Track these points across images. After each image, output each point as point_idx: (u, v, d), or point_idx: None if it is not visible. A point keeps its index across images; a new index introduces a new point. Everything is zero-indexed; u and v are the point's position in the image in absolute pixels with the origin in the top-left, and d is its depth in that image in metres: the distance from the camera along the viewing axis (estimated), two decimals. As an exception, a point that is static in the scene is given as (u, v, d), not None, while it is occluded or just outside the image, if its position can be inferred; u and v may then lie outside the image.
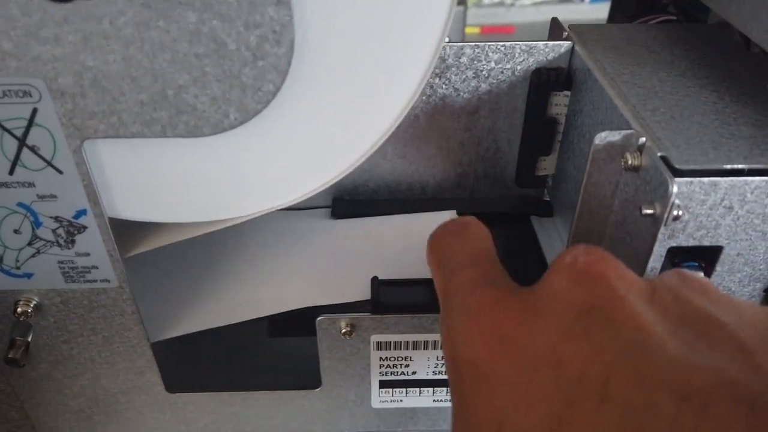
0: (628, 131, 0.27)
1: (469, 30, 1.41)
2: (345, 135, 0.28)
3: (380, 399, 0.38)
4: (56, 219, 0.28)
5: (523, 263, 0.37)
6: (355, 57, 0.26)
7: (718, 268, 0.27)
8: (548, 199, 0.41)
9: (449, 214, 0.39)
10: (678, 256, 0.28)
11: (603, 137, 0.27)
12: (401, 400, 0.38)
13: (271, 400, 0.38)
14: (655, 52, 0.34)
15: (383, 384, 0.37)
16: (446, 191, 0.41)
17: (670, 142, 0.26)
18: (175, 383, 0.37)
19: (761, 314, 0.19)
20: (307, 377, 0.37)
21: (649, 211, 0.25)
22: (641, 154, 0.26)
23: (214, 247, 0.39)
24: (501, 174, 0.40)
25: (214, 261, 0.38)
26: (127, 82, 0.24)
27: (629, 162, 0.26)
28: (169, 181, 0.28)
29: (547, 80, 0.35)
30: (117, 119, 0.25)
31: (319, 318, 0.33)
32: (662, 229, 0.25)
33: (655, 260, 0.27)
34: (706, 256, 0.28)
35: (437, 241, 0.26)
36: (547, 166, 0.39)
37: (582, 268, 0.19)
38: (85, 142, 0.26)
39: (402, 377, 0.36)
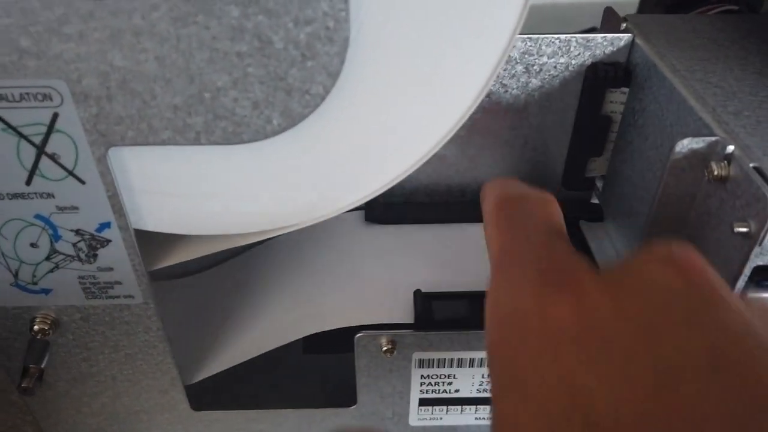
0: (713, 138, 0.24)
1: None
2: (398, 141, 0.25)
3: (419, 417, 0.35)
4: (77, 232, 0.26)
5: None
6: (414, 57, 0.23)
7: (804, 287, 0.25)
8: (597, 202, 0.39)
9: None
10: (760, 275, 0.26)
11: (685, 144, 0.24)
12: (441, 418, 0.35)
13: (303, 417, 0.35)
14: (724, 47, 0.31)
15: (423, 402, 0.35)
16: (487, 194, 0.38)
17: (762, 151, 0.23)
18: (201, 401, 0.34)
19: None
20: (342, 394, 0.34)
21: (743, 229, 0.22)
22: (729, 164, 0.24)
23: (245, 264, 0.36)
24: (548, 175, 0.37)
25: (246, 280, 0.36)
26: (160, 84, 0.22)
27: (715, 172, 0.24)
28: (202, 191, 0.25)
29: (604, 76, 0.32)
30: (147, 125, 0.23)
31: (358, 335, 0.31)
32: (756, 248, 0.22)
33: (741, 279, 0.24)
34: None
35: (511, 201, 0.22)
36: (597, 167, 0.36)
37: (673, 256, 0.17)
38: (111, 150, 0.23)
39: (444, 395, 0.34)
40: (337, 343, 0.32)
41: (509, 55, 0.32)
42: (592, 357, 0.16)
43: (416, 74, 0.23)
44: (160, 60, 0.21)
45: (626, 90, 0.33)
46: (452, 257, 0.36)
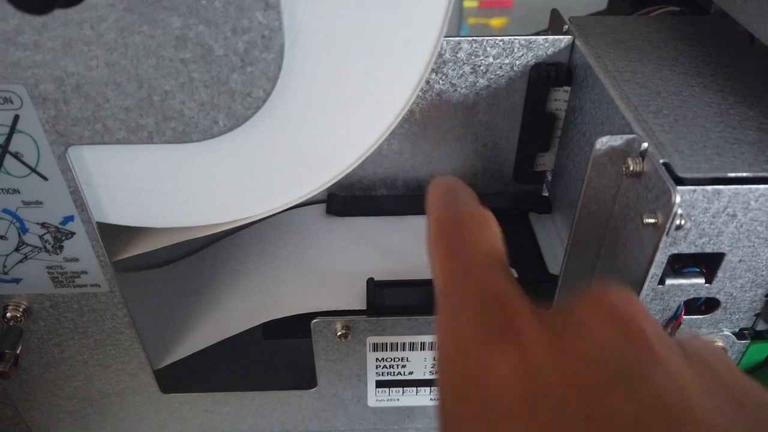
0: (630, 136, 0.26)
1: (467, 3, 1.38)
2: (339, 139, 0.27)
3: (377, 398, 0.37)
4: (43, 225, 0.28)
5: (521, 261, 0.37)
6: (349, 60, 0.25)
7: (719, 274, 0.27)
8: (547, 195, 0.40)
9: None
10: (679, 262, 0.28)
11: (604, 142, 0.26)
12: (398, 399, 0.37)
13: (267, 399, 0.37)
14: (657, 48, 0.33)
15: (380, 384, 0.37)
16: (443, 187, 0.40)
17: (674, 148, 0.25)
18: (169, 384, 0.36)
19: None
20: (303, 377, 0.36)
21: (651, 221, 0.24)
22: (643, 160, 0.25)
23: (210, 255, 0.38)
24: (499, 170, 0.39)
25: (213, 271, 0.38)
26: (111, 88, 0.23)
27: (631, 168, 0.26)
28: (158, 186, 0.27)
29: (546, 76, 0.34)
30: (102, 126, 0.24)
31: (314, 321, 0.33)
32: (664, 238, 0.24)
33: (656, 267, 0.26)
34: (707, 262, 0.27)
35: (450, 226, 0.22)
36: (545, 162, 0.38)
37: (613, 309, 0.18)
38: (70, 149, 0.25)
39: (399, 377, 0.36)
40: (294, 329, 0.34)
41: (457, 56, 0.34)
42: (531, 427, 0.16)
43: (351, 77, 0.25)
44: (110, 66, 0.23)
45: (568, 89, 0.35)
46: (407, 247, 0.38)
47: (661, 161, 0.24)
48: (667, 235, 0.24)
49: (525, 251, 0.37)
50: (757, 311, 0.29)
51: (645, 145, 0.25)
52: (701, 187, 0.24)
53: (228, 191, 0.28)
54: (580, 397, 0.16)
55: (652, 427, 0.15)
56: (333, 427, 0.39)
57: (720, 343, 0.30)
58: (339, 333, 0.33)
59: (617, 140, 0.26)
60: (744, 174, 0.24)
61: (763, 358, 0.31)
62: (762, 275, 0.27)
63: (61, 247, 0.29)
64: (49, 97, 0.24)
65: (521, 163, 0.38)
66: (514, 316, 0.19)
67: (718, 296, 0.28)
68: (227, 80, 0.24)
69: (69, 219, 0.28)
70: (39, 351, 0.34)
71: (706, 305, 0.29)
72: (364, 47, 0.24)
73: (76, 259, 0.29)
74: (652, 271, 0.26)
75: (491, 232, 0.23)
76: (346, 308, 0.34)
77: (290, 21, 0.23)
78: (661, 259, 0.26)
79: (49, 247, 0.29)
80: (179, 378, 0.36)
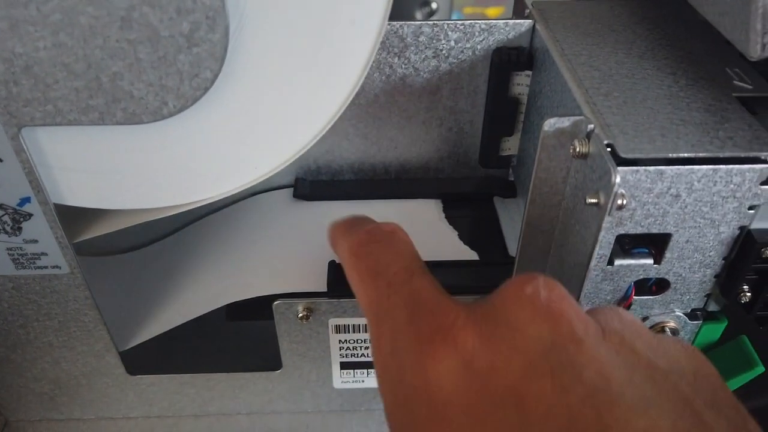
0: (578, 117, 0.27)
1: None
2: (290, 120, 0.27)
3: (342, 380, 0.38)
4: (0, 207, 0.28)
5: (483, 245, 0.37)
6: (296, 42, 0.25)
7: (667, 254, 0.27)
8: (512, 179, 0.41)
9: (408, 203, 0.39)
10: (628, 243, 0.28)
11: (552, 123, 0.27)
12: (363, 381, 0.38)
13: (233, 381, 0.38)
14: (616, 31, 0.33)
15: (344, 365, 0.37)
16: (410, 171, 0.40)
17: (619, 129, 0.26)
18: (135, 365, 0.37)
19: (683, 356, 0.19)
20: (268, 359, 0.37)
21: (593, 200, 0.25)
22: (589, 142, 0.26)
23: (177, 240, 0.39)
24: (465, 154, 0.40)
25: (180, 255, 0.38)
26: (60, 69, 0.24)
27: (577, 149, 0.26)
28: (112, 168, 0.27)
29: (507, 60, 0.35)
30: (53, 107, 0.25)
31: (275, 302, 0.33)
32: (607, 218, 0.25)
33: (604, 248, 0.26)
34: (655, 243, 0.27)
35: (363, 247, 0.23)
36: (510, 146, 0.38)
37: (544, 303, 0.18)
38: (23, 130, 0.25)
39: (363, 359, 0.37)
40: (257, 311, 0.34)
41: (418, 40, 0.34)
42: (477, 424, 0.17)
43: (299, 59, 0.25)
44: (57, 47, 0.23)
45: (530, 73, 0.35)
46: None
47: (605, 142, 0.25)
48: (609, 215, 0.25)
49: (488, 235, 0.38)
50: (708, 292, 0.29)
51: (591, 126, 0.26)
52: (644, 167, 0.24)
53: (182, 173, 0.28)
54: (514, 394, 0.17)
55: (586, 419, 0.16)
56: (300, 408, 0.40)
57: (672, 324, 0.30)
58: (300, 315, 0.33)
59: (564, 122, 0.27)
60: (686, 154, 0.24)
61: (716, 339, 0.32)
62: (710, 256, 0.27)
63: (20, 229, 0.29)
64: (-2, 78, 0.24)
65: (486, 147, 0.39)
66: (445, 318, 0.19)
67: (667, 277, 0.28)
68: (174, 61, 0.24)
69: (26, 200, 0.28)
70: (4, 333, 0.34)
71: (657, 286, 0.29)
72: (310, 28, 0.25)
73: (36, 241, 0.30)
74: (600, 251, 0.26)
75: (402, 241, 0.23)
76: (309, 290, 0.34)
77: (235, 2, 0.23)
78: (608, 239, 0.26)
79: (8, 228, 0.29)
80: (145, 360, 0.37)
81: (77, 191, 0.28)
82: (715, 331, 0.31)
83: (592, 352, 0.17)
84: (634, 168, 0.24)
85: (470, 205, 0.39)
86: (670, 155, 0.24)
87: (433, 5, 0.63)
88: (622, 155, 0.24)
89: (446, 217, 0.39)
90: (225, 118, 0.26)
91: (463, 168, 0.40)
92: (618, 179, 0.23)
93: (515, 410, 0.17)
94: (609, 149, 0.25)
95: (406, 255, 0.22)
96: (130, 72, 0.24)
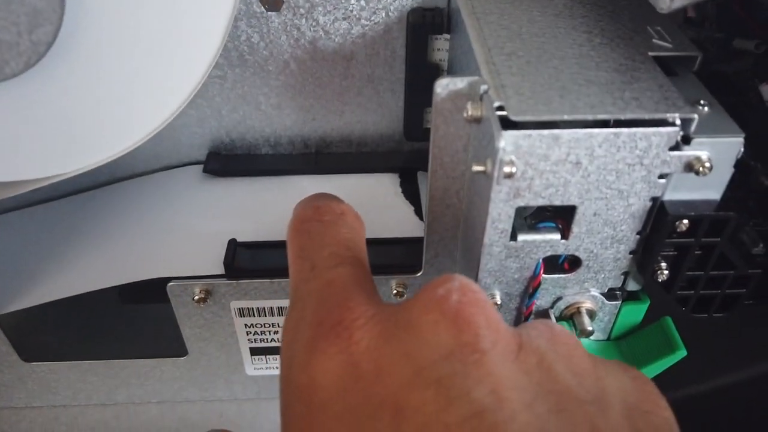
0: (473, 78, 0.24)
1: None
2: (148, 87, 0.24)
3: (254, 366, 0.36)
4: None
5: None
6: (146, 4, 0.22)
7: (575, 229, 0.25)
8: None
9: (362, 178, 0.36)
10: (535, 217, 0.26)
11: (445, 84, 0.24)
12: (277, 368, 0.36)
13: (138, 368, 0.36)
14: (536, -10, 0.31)
15: (254, 351, 0.35)
16: (331, 145, 0.38)
17: (514, 90, 0.23)
18: (30, 352, 0.34)
19: (620, 388, 0.17)
20: (172, 345, 0.34)
21: (480, 168, 0.22)
22: (482, 103, 0.23)
23: (70, 207, 0.36)
24: (389, 126, 0.37)
25: (75, 222, 0.36)
26: None
27: (470, 112, 0.23)
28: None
29: (422, 22, 0.32)
30: None
31: (169, 284, 0.31)
32: (495, 187, 0.22)
33: (503, 221, 0.24)
34: (564, 217, 0.25)
35: (304, 223, 0.22)
36: (434, 117, 0.36)
37: (452, 307, 0.16)
38: None
39: (273, 344, 0.34)
40: (154, 294, 0.32)
41: (326, 3, 0.31)
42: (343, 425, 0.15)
43: (150, 22, 0.23)
44: None
45: (448, 36, 0.32)
46: (287, 208, 0.35)
47: (495, 104, 0.22)
48: (498, 183, 0.22)
49: (407, 211, 0.35)
50: (624, 270, 0.27)
51: (484, 87, 0.23)
52: (537, 131, 0.22)
53: (32, 144, 0.25)
54: (393, 403, 0.15)
55: None
56: (214, 396, 0.37)
57: (588, 305, 0.28)
58: (197, 297, 0.31)
59: (458, 83, 0.24)
60: (582, 116, 0.22)
61: (639, 320, 0.29)
62: (621, 230, 0.25)
63: None
64: None
65: (410, 119, 0.36)
66: (348, 314, 0.17)
67: (577, 253, 0.26)
68: (8, 12, 0.21)
69: None
70: None
71: (569, 263, 0.27)
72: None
73: None
74: (500, 225, 0.24)
75: (347, 225, 0.22)
76: (209, 272, 0.32)
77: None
78: (506, 211, 0.24)
79: None
80: (40, 346, 0.34)
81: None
82: (636, 312, 0.29)
83: (492, 368, 0.16)
84: (527, 132, 0.22)
85: (395, 181, 0.37)
86: (566, 117, 0.22)
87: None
88: (512, 117, 0.22)
89: (402, 192, 0.37)
90: (70, 87, 0.24)
91: (389, 142, 0.38)
92: (503, 144, 0.21)
93: (390, 422, 0.15)
94: (501, 112, 0.22)
95: (343, 241, 0.21)
96: (-39, 25, 0.21)
